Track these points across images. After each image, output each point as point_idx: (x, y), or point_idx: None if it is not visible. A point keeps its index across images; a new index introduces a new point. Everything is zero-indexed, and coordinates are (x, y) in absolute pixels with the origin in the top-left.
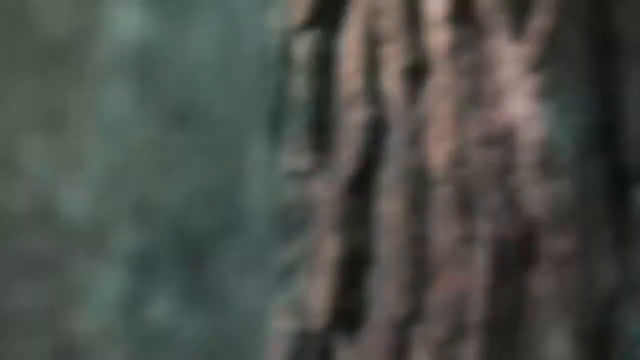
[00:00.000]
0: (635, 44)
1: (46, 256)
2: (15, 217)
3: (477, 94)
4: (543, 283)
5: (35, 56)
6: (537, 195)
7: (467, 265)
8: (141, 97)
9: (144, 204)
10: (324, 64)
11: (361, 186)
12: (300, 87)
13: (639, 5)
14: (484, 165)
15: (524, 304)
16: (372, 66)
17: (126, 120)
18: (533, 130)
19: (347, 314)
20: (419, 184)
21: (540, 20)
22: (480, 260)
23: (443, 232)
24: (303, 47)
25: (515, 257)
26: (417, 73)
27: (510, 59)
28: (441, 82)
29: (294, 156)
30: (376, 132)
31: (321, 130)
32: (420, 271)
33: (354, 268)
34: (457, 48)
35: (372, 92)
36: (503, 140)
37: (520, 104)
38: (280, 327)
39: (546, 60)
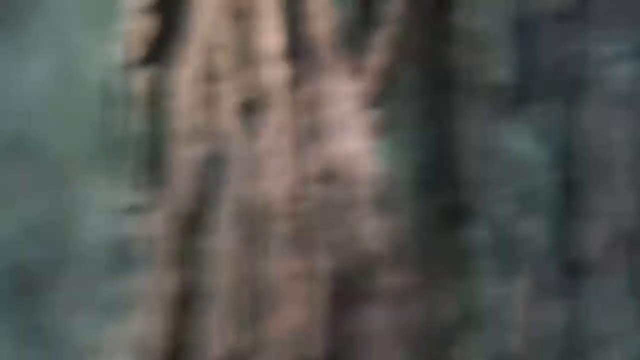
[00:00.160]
0: (470, 82)
1: None
2: None
3: (314, 129)
4: (381, 317)
5: None
6: (374, 230)
7: (306, 300)
8: None
9: None
10: (160, 99)
11: (196, 222)
12: (137, 122)
13: (473, 44)
14: (322, 200)
15: (361, 338)
16: (207, 102)
17: None
18: (370, 166)
19: (183, 349)
20: (255, 219)
21: (376, 57)
22: (319, 295)
23: (281, 266)
24: (140, 82)
25: (353, 291)
26: (253, 108)
27: (347, 95)
28: (278, 117)
29: (131, 191)
30: (211, 168)
31: (157, 166)
32: (258, 306)
33: (190, 304)
34: (293, 84)
35: (208, 128)
36: (340, 175)
37: (357, 139)
38: None
39: (382, 97)
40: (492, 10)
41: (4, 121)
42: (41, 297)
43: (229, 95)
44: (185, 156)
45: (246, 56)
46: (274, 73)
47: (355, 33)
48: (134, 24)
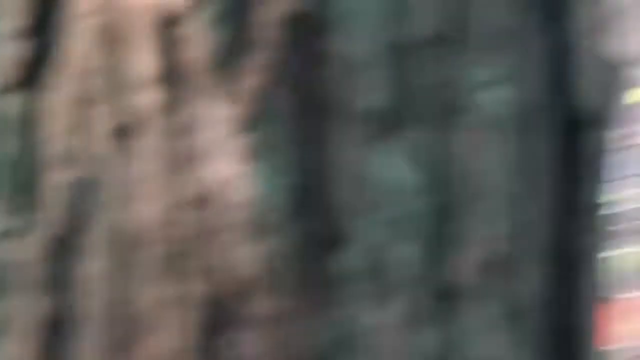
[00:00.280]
0: (344, 106)
1: None
2: None
3: (187, 154)
4: (255, 342)
5: None
6: (247, 256)
7: (179, 326)
8: None
9: None
10: (34, 124)
11: (69, 247)
12: (9, 146)
13: (347, 68)
14: (195, 226)
15: None
16: (81, 126)
17: None
18: (243, 191)
19: None
20: (128, 244)
21: (250, 81)
22: (192, 321)
23: (154, 292)
24: (13, 107)
25: (227, 317)
26: (127, 133)
27: (222, 119)
28: (151, 142)
29: (4, 216)
30: (85, 193)
31: (30, 191)
32: (130, 332)
33: (62, 329)
34: (168, 108)
35: (81, 153)
36: (214, 200)
37: (231, 164)
38: None
39: (257, 121)
40: (366, 34)
41: None
42: None
43: (103, 120)
44: (58, 181)
45: (120, 80)
46: (148, 97)
47: (231, 57)
48: (7, 49)
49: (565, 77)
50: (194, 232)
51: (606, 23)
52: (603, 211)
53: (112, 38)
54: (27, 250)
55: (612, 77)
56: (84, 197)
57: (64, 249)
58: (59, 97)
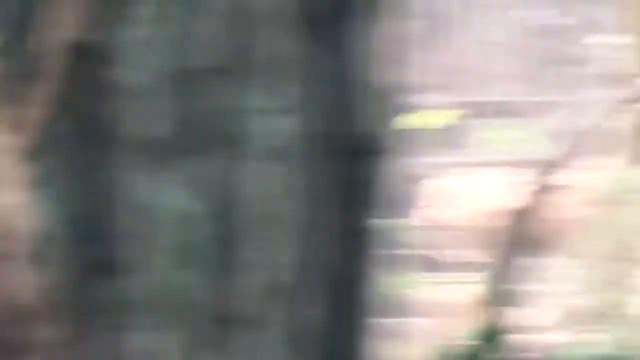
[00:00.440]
0: (126, 135)
1: None
2: None
3: None
4: None
5: None
6: (28, 284)
7: None
8: None
9: None
10: None
11: None
12: None
13: (129, 97)
14: None
15: None
16: None
17: None
18: (25, 220)
19: None
20: None
21: (33, 111)
22: None
23: None
24: None
25: (6, 345)
26: None
27: (4, 148)
28: None
29: None
30: None
31: None
32: None
33: None
34: None
35: None
36: None
37: (13, 193)
38: None
39: (39, 150)
40: (149, 63)
41: None
42: None
43: None
44: None
45: None
46: None
47: (14, 86)
48: None
49: (345, 105)
50: None
51: (384, 52)
52: (382, 236)
53: None
54: None
55: (386, 105)
56: None
57: None
58: None
